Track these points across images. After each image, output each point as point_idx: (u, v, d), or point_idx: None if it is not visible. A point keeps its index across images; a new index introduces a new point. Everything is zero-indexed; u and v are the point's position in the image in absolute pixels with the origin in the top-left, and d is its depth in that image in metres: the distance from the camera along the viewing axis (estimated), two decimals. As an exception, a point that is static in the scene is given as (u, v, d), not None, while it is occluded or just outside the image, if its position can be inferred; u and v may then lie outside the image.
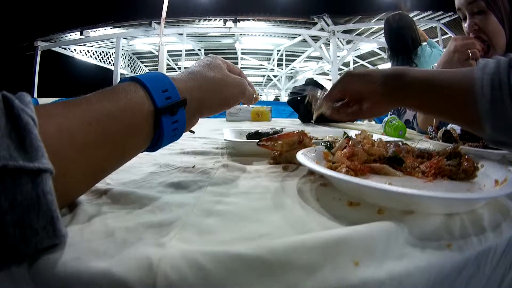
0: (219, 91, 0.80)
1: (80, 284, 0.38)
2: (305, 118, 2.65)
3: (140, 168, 0.89)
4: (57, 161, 0.44)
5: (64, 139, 0.50)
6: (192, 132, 1.70)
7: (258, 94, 0.98)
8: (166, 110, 0.65)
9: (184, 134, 1.64)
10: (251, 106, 2.73)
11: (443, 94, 0.80)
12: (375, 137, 1.04)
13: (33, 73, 13.37)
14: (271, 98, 20.94)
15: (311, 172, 0.85)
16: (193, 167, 0.92)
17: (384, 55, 16.46)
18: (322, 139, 1.17)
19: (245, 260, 0.40)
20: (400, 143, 1.03)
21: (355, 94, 0.96)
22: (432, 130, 1.56)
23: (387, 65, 16.74)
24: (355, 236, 0.46)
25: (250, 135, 1.28)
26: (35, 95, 13.28)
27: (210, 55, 0.88)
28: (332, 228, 0.49)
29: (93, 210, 0.56)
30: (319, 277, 0.40)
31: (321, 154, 0.90)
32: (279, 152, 1.00)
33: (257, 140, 1.01)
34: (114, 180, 0.75)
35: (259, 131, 1.26)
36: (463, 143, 1.37)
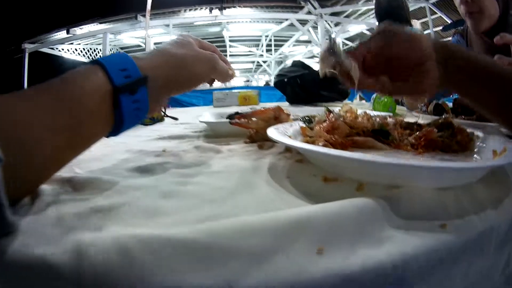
0: (187, 67, 0.75)
1: (22, 269, 0.36)
2: (293, 99, 2.61)
3: (112, 156, 0.85)
4: (11, 149, 0.43)
5: (18, 127, 0.48)
6: (176, 119, 1.67)
7: (235, 71, 0.94)
8: (124, 88, 0.60)
9: (167, 120, 1.61)
10: (237, 90, 2.69)
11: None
12: (361, 112, 1.00)
13: (22, 75, 13.40)
14: (261, 83, 21.01)
15: (288, 149, 0.80)
16: (163, 150, 0.87)
17: (372, 36, 16.56)
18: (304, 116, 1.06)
19: (177, 245, 0.35)
20: (388, 117, 1.00)
21: (397, 59, 0.79)
22: (423, 105, 1.53)
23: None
24: (321, 216, 0.40)
25: (231, 116, 1.20)
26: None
27: (182, 33, 0.84)
28: (303, 206, 0.45)
29: (52, 198, 0.52)
30: (269, 267, 0.34)
31: (298, 130, 0.85)
32: (255, 130, 0.95)
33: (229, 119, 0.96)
34: (83, 168, 0.70)
35: (239, 112, 1.20)
36: (455, 117, 1.35)
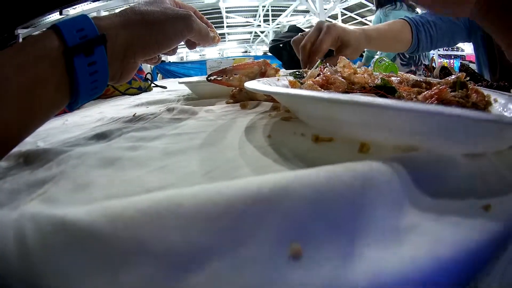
0: (155, 24, 0.67)
1: None
2: (289, 65, 2.54)
3: (83, 126, 0.78)
4: None
5: None
6: (164, 87, 1.62)
7: (220, 37, 0.88)
8: (77, 49, 0.53)
9: (155, 89, 1.55)
10: (232, 58, 2.64)
11: None
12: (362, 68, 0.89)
13: (17, 62, 13.56)
14: (259, 53, 21.19)
15: (275, 108, 0.72)
16: (134, 115, 0.79)
17: (372, 6, 16.60)
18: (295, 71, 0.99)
19: (70, 230, 0.23)
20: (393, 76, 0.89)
21: None
22: (423, 70, 1.47)
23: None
24: (297, 191, 0.25)
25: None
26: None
27: None
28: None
29: (1, 174, 0.48)
30: (201, 278, 0.21)
31: (286, 85, 0.74)
32: (238, 88, 0.85)
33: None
34: (47, 141, 0.65)
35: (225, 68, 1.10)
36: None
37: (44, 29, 0.56)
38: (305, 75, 0.80)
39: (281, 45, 2.55)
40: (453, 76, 0.75)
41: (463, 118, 0.33)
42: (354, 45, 1.22)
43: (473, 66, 1.76)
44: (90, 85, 0.57)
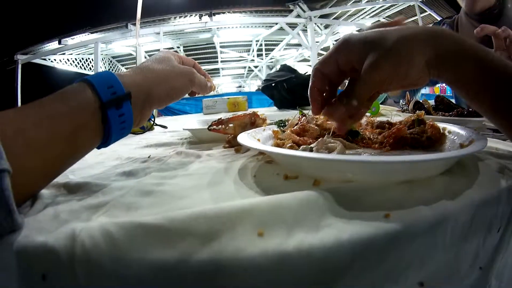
0: (166, 81, 0.81)
1: (27, 254, 0.43)
2: (281, 104, 2.63)
3: (104, 163, 0.90)
4: (14, 161, 0.48)
5: (19, 140, 0.54)
6: (165, 127, 1.72)
7: (216, 84, 0.99)
8: (111, 104, 0.66)
9: (156, 129, 1.66)
10: (226, 97, 2.72)
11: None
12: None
13: (16, 87, 13.30)
14: (253, 88, 20.73)
15: (261, 153, 0.84)
16: (149, 157, 0.93)
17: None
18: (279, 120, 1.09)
19: (145, 228, 0.42)
20: (364, 118, 1.02)
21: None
22: (404, 103, 1.56)
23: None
24: (263, 204, 0.46)
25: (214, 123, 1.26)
26: (19, 109, 13.20)
27: (162, 49, 0.90)
28: None
29: (49, 200, 0.59)
30: (215, 245, 0.41)
31: (271, 134, 0.90)
32: (232, 135, 1.00)
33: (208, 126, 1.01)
34: (77, 175, 0.76)
35: (222, 118, 1.26)
36: (436, 114, 1.38)
37: (77, 82, 0.68)
38: (287, 123, 0.93)
39: (273, 85, 2.62)
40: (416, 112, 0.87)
41: (375, 163, 0.54)
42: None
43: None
44: (120, 131, 0.70)
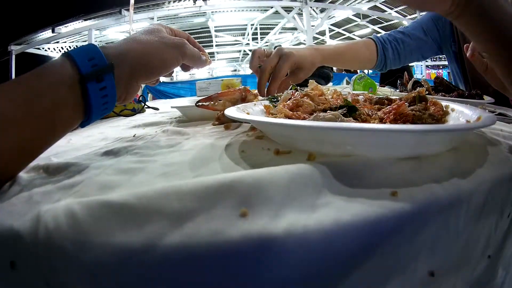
0: (154, 53, 0.76)
1: None
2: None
3: (89, 145, 0.88)
4: None
5: None
6: (156, 109, 1.69)
7: (210, 58, 0.95)
8: (91, 76, 0.62)
9: (148, 111, 1.63)
10: (220, 79, 2.70)
11: None
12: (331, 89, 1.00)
13: (10, 78, 13.36)
14: (248, 72, 20.87)
15: (253, 128, 0.81)
16: (134, 135, 0.90)
17: (359, 21, 16.52)
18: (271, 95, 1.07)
19: (110, 206, 0.37)
20: (361, 95, 0.98)
21: None
22: (401, 83, 1.54)
23: (364, 32, 16.67)
24: (248, 179, 0.40)
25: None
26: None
27: (153, 22, 0.86)
28: None
29: (26, 182, 0.56)
30: (188, 227, 0.35)
31: (263, 109, 0.86)
32: (222, 111, 0.95)
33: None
34: (60, 157, 0.73)
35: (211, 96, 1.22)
36: (436, 95, 1.37)
37: (58, 56, 0.65)
38: (279, 98, 0.89)
39: None
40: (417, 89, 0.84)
41: (372, 131, 0.48)
42: (307, 67, 1.34)
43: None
44: (101, 106, 0.66)
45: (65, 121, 0.63)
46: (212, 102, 0.97)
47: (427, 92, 1.29)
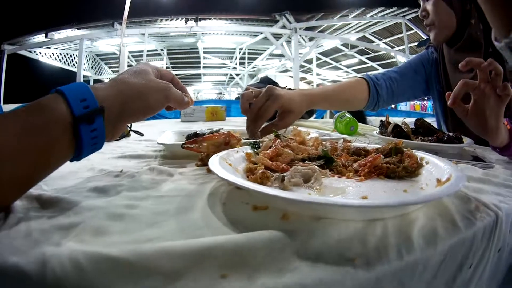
0: (140, 97, 0.80)
1: None
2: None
3: (76, 174, 0.90)
4: None
5: None
6: (141, 134, 1.71)
7: (192, 98, 0.97)
8: (83, 119, 0.65)
9: (133, 136, 1.64)
10: (205, 106, 2.72)
11: None
12: (314, 134, 1.06)
13: (0, 76, 13.22)
14: (233, 96, 20.76)
15: None
16: (121, 171, 0.93)
17: (347, 51, 16.58)
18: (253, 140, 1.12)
19: (114, 262, 0.42)
20: (341, 140, 1.04)
21: None
22: (381, 125, 1.56)
23: (351, 61, 16.66)
24: (229, 245, 0.46)
25: (189, 136, 1.26)
26: (2, 100, 13.21)
27: (141, 61, 0.89)
28: (227, 234, 0.51)
29: (22, 214, 0.59)
30: (179, 285, 0.40)
31: (244, 156, 0.89)
32: (206, 153, 1.00)
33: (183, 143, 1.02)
34: (50, 186, 0.76)
35: (197, 132, 1.25)
36: (415, 138, 1.39)
37: (52, 92, 0.67)
38: (261, 144, 0.92)
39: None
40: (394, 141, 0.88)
41: (333, 205, 0.54)
42: (296, 111, 1.37)
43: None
44: (91, 146, 0.69)
45: (58, 157, 0.66)
46: (197, 145, 1.00)
47: (404, 137, 1.34)
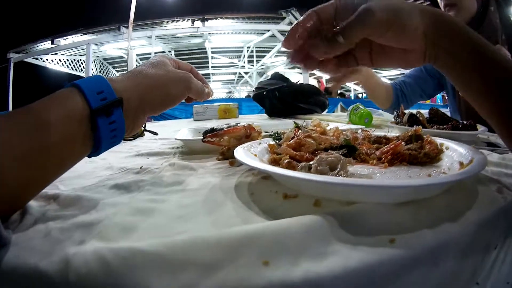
0: (160, 87, 0.77)
1: (17, 276, 0.41)
2: (272, 112, 2.61)
3: (94, 173, 0.88)
4: None
5: (3, 150, 0.51)
6: (155, 133, 1.69)
7: (212, 89, 0.95)
8: (101, 111, 0.63)
9: (147, 135, 1.63)
10: (217, 104, 2.70)
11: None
12: (333, 125, 1.03)
13: (7, 85, 13.30)
14: (243, 95, 20.75)
15: None
16: (141, 168, 0.91)
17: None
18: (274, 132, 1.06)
19: (144, 256, 0.40)
20: (360, 130, 1.03)
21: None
22: (397, 115, 1.54)
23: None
24: (268, 232, 0.45)
25: (206, 132, 1.21)
26: (10, 107, 13.28)
27: (158, 54, 0.86)
28: (261, 222, 0.49)
29: (39, 214, 0.57)
30: (219, 276, 0.39)
31: (267, 147, 0.88)
32: (227, 147, 0.98)
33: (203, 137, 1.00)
34: (67, 185, 0.75)
35: (214, 127, 1.23)
36: (431, 127, 1.37)
37: (67, 86, 0.65)
38: (282, 136, 0.90)
39: (264, 93, 2.61)
40: (414, 127, 0.88)
41: (371, 187, 0.52)
42: (364, 73, 1.35)
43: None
44: (110, 140, 0.67)
45: (73, 153, 0.64)
46: (217, 138, 0.98)
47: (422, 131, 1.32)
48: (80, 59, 16.65)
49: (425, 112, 1.54)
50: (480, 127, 1.33)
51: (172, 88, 0.80)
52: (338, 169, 0.68)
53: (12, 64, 13.40)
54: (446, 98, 2.16)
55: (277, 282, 0.38)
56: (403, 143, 0.83)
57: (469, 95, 0.68)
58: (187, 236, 0.43)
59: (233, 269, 0.40)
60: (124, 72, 0.77)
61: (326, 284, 0.39)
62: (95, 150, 0.67)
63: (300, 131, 0.92)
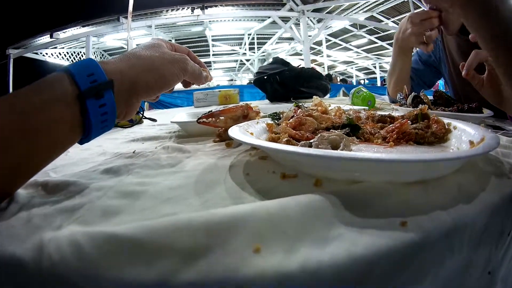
0: (155, 69, 0.74)
1: None
2: (273, 97, 2.58)
3: (88, 160, 0.86)
4: None
5: None
6: (154, 120, 1.67)
7: (211, 74, 0.94)
8: (90, 93, 0.60)
9: (146, 122, 1.61)
10: (218, 90, 2.68)
11: None
12: (334, 106, 0.99)
13: (7, 81, 13.32)
14: (245, 82, 20.86)
15: (255, 147, 0.78)
16: (134, 152, 0.88)
17: (356, 31, 16.56)
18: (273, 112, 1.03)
19: (118, 240, 0.36)
20: (362, 111, 0.98)
21: None
22: (401, 97, 1.53)
23: (360, 41, 16.70)
24: (260, 213, 0.40)
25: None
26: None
27: (153, 37, 0.84)
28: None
29: (25, 201, 0.55)
30: (202, 264, 0.34)
31: (265, 127, 0.85)
32: (223, 128, 0.95)
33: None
34: (59, 172, 0.72)
35: (212, 110, 1.20)
36: (436, 108, 1.35)
37: (57, 72, 0.62)
38: (281, 116, 0.88)
39: (265, 77, 2.57)
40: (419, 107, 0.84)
41: (377, 161, 0.47)
42: None
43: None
44: (101, 124, 0.63)
45: (63, 138, 0.61)
46: (213, 119, 0.95)
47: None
48: (80, 52, 16.71)
49: (429, 97, 1.53)
50: (486, 111, 1.31)
51: (167, 70, 0.77)
52: (340, 148, 0.65)
53: (11, 60, 13.41)
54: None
55: (270, 271, 0.33)
56: (409, 121, 0.79)
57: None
58: (168, 219, 0.38)
59: (218, 256, 0.35)
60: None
61: (327, 274, 0.34)
62: (86, 135, 0.64)
63: (300, 109, 0.89)
